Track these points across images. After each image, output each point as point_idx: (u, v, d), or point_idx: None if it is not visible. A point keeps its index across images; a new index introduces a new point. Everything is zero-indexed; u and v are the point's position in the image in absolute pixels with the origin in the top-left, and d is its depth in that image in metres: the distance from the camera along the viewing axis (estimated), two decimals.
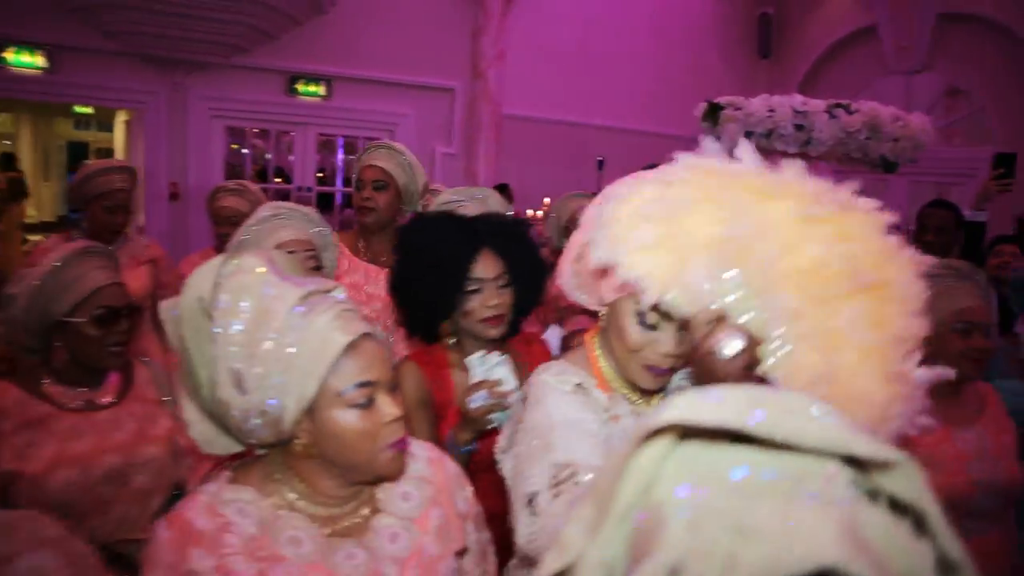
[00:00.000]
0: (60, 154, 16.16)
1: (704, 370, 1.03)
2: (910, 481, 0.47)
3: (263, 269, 1.06)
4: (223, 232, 3.07)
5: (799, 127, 3.71)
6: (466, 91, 8.09)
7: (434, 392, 1.79)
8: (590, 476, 1.15)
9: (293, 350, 1.01)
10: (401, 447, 1.13)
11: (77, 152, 16.25)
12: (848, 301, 0.96)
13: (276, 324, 1.02)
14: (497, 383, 1.64)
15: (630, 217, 1.09)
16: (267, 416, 1.03)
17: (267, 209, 2.04)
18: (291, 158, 7.91)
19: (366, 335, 1.09)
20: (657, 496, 0.49)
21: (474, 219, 1.89)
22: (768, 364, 0.98)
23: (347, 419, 1.06)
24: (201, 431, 1.13)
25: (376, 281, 2.52)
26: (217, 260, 1.08)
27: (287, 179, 8.00)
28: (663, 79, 9.07)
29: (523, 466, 1.27)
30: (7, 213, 8.70)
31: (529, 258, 1.88)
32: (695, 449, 0.50)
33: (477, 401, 1.63)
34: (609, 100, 8.78)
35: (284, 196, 7.94)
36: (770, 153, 4.04)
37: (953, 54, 8.57)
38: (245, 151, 7.86)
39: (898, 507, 0.47)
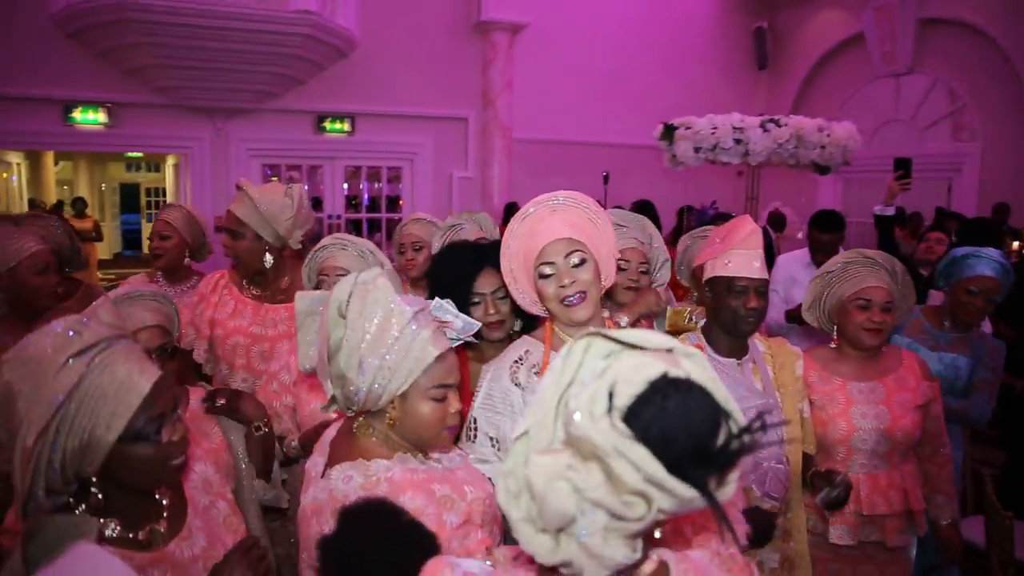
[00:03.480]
0: (114, 195, 17.31)
1: None
2: (700, 361, 0.83)
3: (387, 286, 1.40)
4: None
5: (738, 141, 4.31)
6: (478, 119, 8.80)
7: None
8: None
9: (400, 356, 1.34)
10: (454, 431, 1.50)
11: (129, 192, 17.41)
12: None
13: (395, 333, 1.34)
14: (439, 320, 1.92)
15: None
16: (372, 393, 1.35)
17: (329, 238, 2.38)
18: (322, 187, 8.70)
19: (450, 349, 1.44)
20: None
21: (478, 244, 2.26)
22: None
23: (426, 408, 1.39)
24: (329, 392, 1.43)
25: None
26: (353, 275, 1.40)
27: (320, 208, 8.79)
28: (665, 95, 9.48)
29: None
30: (91, 255, 9.75)
31: None
32: (602, 344, 0.83)
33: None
34: (613, 118, 9.35)
35: (317, 224, 8.77)
36: (716, 163, 4.66)
37: (936, 56, 9.01)
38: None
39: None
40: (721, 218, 3.89)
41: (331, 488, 1.37)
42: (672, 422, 0.73)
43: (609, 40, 9.47)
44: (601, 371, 0.79)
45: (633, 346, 0.82)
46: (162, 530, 1.34)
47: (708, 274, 2.05)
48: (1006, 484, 3.83)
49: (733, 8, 10.53)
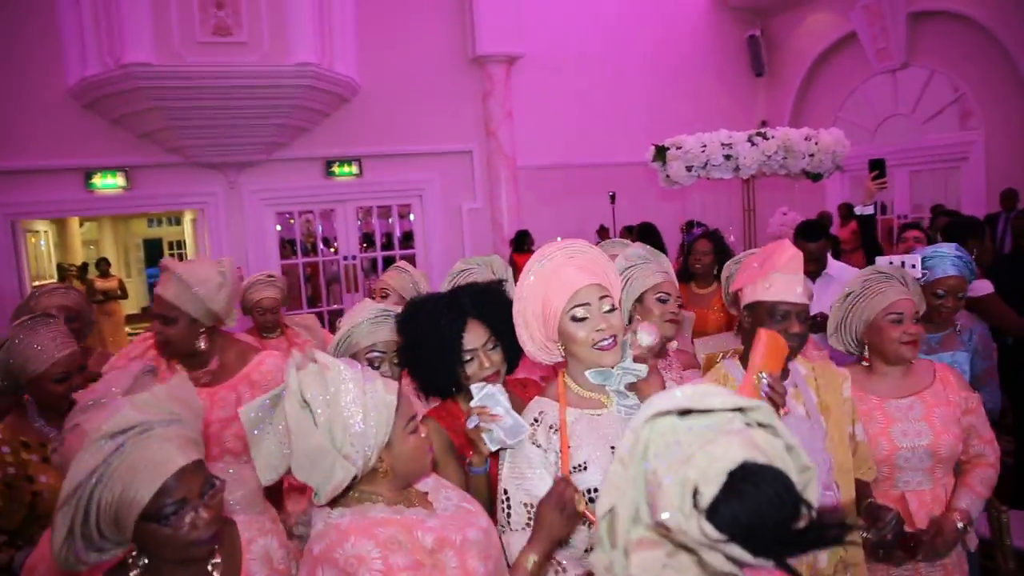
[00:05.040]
0: (138, 251, 17.74)
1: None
2: (767, 414, 0.86)
3: (327, 358, 1.43)
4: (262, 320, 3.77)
5: (727, 156, 4.42)
6: (482, 151, 9.00)
7: (454, 439, 2.01)
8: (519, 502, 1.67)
9: (375, 411, 1.40)
10: (431, 453, 1.60)
11: (152, 247, 17.84)
12: None
13: (361, 395, 1.39)
14: (486, 409, 1.80)
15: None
16: (366, 456, 1.40)
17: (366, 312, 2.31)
18: (335, 229, 8.90)
19: (398, 384, 1.49)
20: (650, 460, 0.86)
21: (456, 295, 2.10)
22: None
23: (408, 445, 1.48)
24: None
25: None
26: (291, 371, 1.41)
27: (336, 250, 9.00)
28: (666, 110, 9.68)
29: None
30: (117, 312, 10.08)
31: (509, 316, 1.93)
32: (666, 422, 0.88)
33: (471, 423, 1.80)
34: (615, 138, 9.48)
35: (332, 265, 8.98)
36: (709, 179, 4.77)
37: (930, 48, 9.07)
38: (296, 230, 8.87)
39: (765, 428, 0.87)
40: (708, 237, 3.99)
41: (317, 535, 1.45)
42: (755, 517, 0.78)
43: (604, 62, 9.64)
44: (680, 461, 0.83)
45: (700, 411, 0.87)
46: None
47: (748, 299, 2.00)
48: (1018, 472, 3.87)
49: (724, 19, 10.67)
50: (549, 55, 9.21)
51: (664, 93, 9.98)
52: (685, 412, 0.88)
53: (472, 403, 1.83)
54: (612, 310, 1.70)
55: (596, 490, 1.63)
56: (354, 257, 8.75)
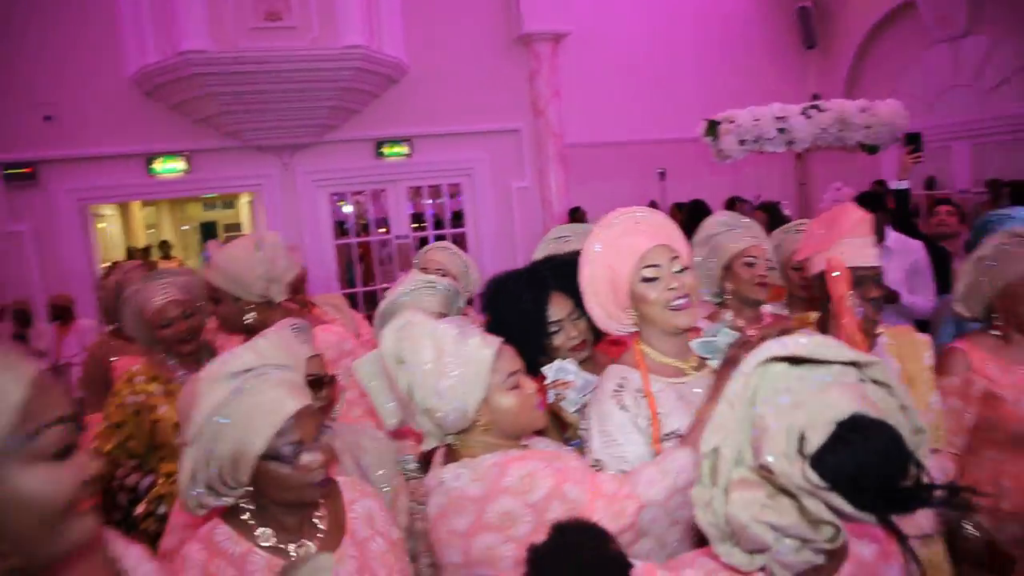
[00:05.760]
0: (195, 234, 18.22)
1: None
2: (884, 371, 0.84)
3: (423, 318, 1.50)
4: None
5: (781, 130, 4.37)
6: (530, 129, 9.00)
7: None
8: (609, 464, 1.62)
9: (465, 367, 1.43)
10: (543, 407, 1.58)
11: (208, 230, 18.29)
12: None
13: (450, 351, 1.43)
14: (559, 382, 1.88)
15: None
16: (457, 410, 1.44)
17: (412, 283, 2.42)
18: (387, 209, 9.04)
19: (503, 342, 1.52)
20: (761, 407, 0.85)
21: (536, 268, 2.16)
22: None
23: (509, 400, 1.49)
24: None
25: None
26: (390, 325, 1.50)
27: (388, 229, 9.16)
28: (714, 84, 9.54)
29: (586, 448, 1.74)
30: None
31: None
32: (778, 369, 0.86)
33: (549, 398, 1.87)
34: (664, 114, 9.35)
35: (386, 245, 9.13)
36: (762, 153, 4.72)
37: (993, 16, 8.72)
38: (348, 210, 9.04)
39: (880, 385, 0.85)
40: (764, 208, 3.97)
41: (447, 490, 1.47)
42: (861, 468, 0.77)
43: (652, 37, 9.52)
44: (789, 407, 0.83)
45: (815, 361, 0.86)
46: (315, 548, 1.41)
47: (819, 267, 1.90)
48: None
49: None
50: (596, 32, 9.14)
51: (713, 68, 9.83)
52: (797, 361, 0.87)
53: (546, 382, 1.90)
54: (683, 270, 1.67)
55: None
56: (406, 236, 8.88)
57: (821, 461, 0.78)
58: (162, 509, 2.44)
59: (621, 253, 1.68)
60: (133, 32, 7.14)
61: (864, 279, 1.84)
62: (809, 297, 2.64)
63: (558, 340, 2.05)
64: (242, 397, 1.30)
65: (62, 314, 6.38)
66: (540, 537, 1.24)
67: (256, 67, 6.92)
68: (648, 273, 1.65)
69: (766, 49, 10.32)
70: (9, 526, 0.74)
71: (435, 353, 1.44)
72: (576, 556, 1.07)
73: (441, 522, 1.47)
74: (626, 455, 1.62)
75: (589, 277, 1.75)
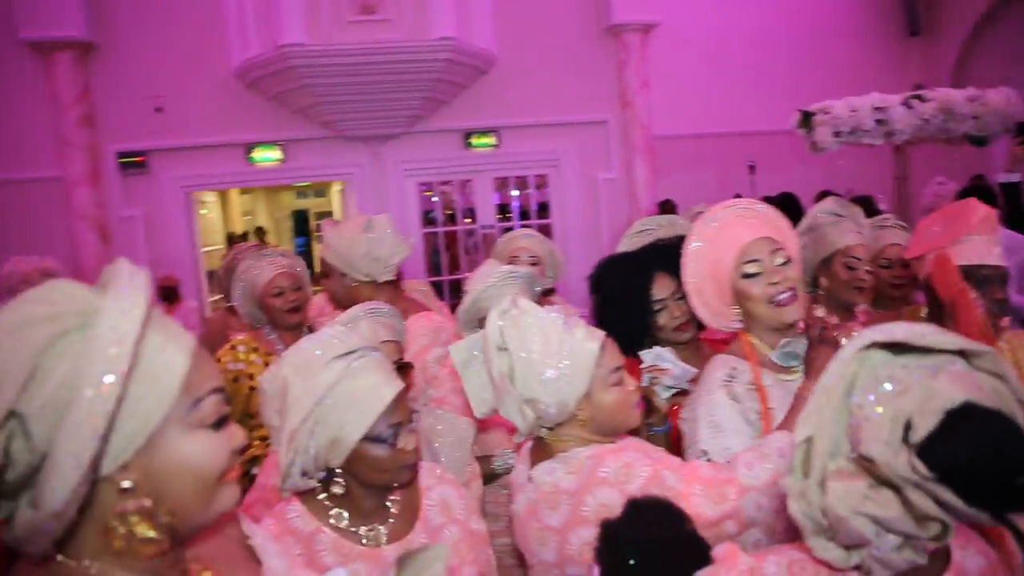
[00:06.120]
0: (287, 221, 18.87)
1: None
2: (996, 362, 0.77)
3: (530, 305, 1.49)
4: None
5: (879, 121, 4.20)
6: (618, 121, 8.93)
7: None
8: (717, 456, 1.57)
9: (571, 359, 1.41)
10: (641, 407, 1.56)
11: (300, 217, 18.92)
12: None
13: (557, 341, 1.41)
14: (656, 367, 1.88)
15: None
16: (560, 403, 1.42)
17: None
18: (473, 199, 9.14)
19: (607, 336, 1.50)
20: (859, 396, 0.81)
21: (643, 251, 2.20)
22: None
23: (610, 396, 1.47)
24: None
25: None
26: (494, 310, 1.49)
27: (474, 219, 9.28)
28: (809, 75, 9.12)
29: (688, 439, 1.70)
30: None
31: None
32: (879, 357, 0.81)
33: (644, 381, 1.87)
34: (754, 106, 9.11)
35: (471, 235, 9.25)
36: (859, 145, 4.54)
37: None
38: (435, 200, 9.20)
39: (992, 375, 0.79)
40: (858, 202, 3.84)
41: (538, 485, 1.46)
42: (973, 460, 0.71)
43: (744, 27, 9.26)
44: (893, 395, 0.78)
45: (919, 349, 0.81)
46: (385, 532, 1.43)
47: (934, 265, 1.81)
48: None
49: None
50: (686, 22, 8.95)
51: (807, 57, 9.46)
52: (899, 350, 0.82)
53: (643, 366, 1.92)
54: (787, 262, 1.62)
55: None
56: (491, 226, 8.98)
57: (930, 451, 0.72)
58: (255, 470, 2.52)
59: (721, 249, 1.65)
60: (237, 28, 7.45)
61: (989, 279, 1.74)
62: (903, 296, 2.56)
63: (661, 319, 2.07)
64: (347, 380, 1.32)
65: (169, 295, 6.73)
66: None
67: (350, 59, 7.12)
68: (749, 268, 1.62)
69: (864, 37, 9.88)
70: (169, 492, 0.77)
71: (542, 342, 1.42)
72: (651, 533, 1.05)
73: (531, 519, 1.46)
74: (733, 447, 1.57)
75: (692, 275, 1.74)
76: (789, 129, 5.10)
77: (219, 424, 0.81)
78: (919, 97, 4.23)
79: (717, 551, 1.04)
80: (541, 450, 1.52)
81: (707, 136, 9.22)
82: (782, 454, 1.40)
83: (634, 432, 1.64)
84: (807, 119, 4.79)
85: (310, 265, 17.71)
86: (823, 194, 7.47)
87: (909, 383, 0.78)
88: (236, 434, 0.85)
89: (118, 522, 0.74)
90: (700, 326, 2.12)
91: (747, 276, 1.61)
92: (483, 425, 2.24)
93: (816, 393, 0.86)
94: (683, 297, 2.01)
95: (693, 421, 1.68)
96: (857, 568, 0.87)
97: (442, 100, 8.19)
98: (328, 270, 2.65)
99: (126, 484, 0.73)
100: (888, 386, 0.79)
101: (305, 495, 1.43)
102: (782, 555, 1.00)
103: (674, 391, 1.86)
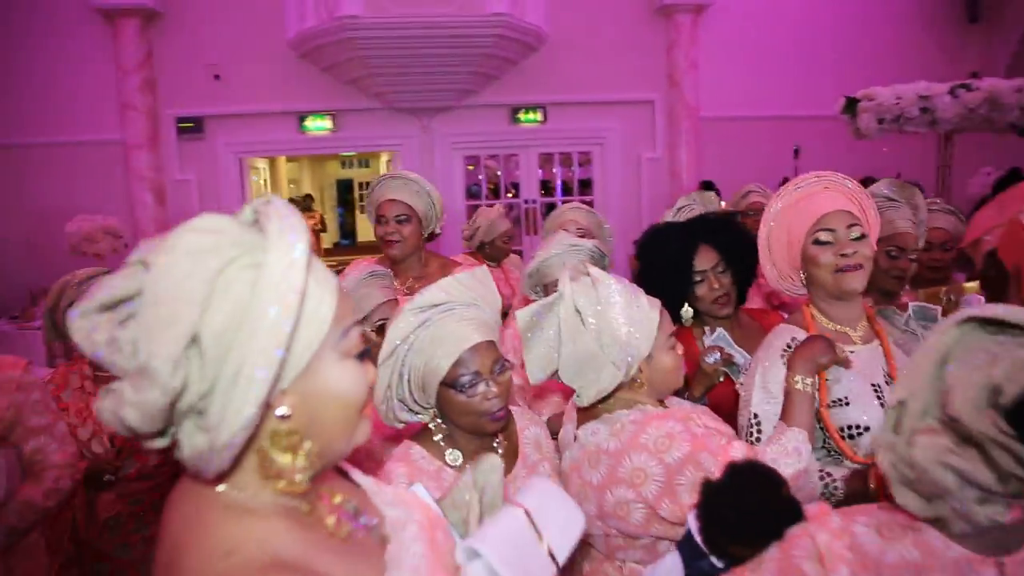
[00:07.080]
0: (332, 190, 19.16)
1: None
2: None
3: (601, 272, 1.56)
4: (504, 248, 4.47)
5: (924, 110, 4.19)
6: (664, 101, 8.93)
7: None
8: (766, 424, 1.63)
9: (640, 324, 1.50)
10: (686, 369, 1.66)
11: (344, 187, 19.21)
12: None
13: (632, 307, 1.49)
14: (721, 347, 1.95)
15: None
16: (630, 364, 1.49)
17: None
18: (518, 174, 9.27)
19: (663, 304, 1.58)
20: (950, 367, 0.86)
21: (690, 222, 2.23)
22: None
23: (669, 359, 1.56)
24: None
25: None
26: (567, 283, 1.54)
27: (517, 194, 9.40)
28: (861, 60, 9.08)
29: (742, 402, 1.75)
30: (317, 245, 11.17)
31: (739, 243, 2.10)
32: (976, 332, 0.86)
33: (711, 358, 1.95)
34: (803, 90, 9.04)
35: (512, 209, 9.35)
36: (903, 133, 4.53)
37: None
38: (480, 175, 9.33)
39: None
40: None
41: (583, 444, 1.53)
42: None
43: (796, 10, 9.16)
44: (985, 363, 0.83)
45: (1014, 326, 0.84)
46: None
47: (994, 243, 1.83)
48: None
49: None
50: (737, 4, 8.88)
51: (858, 43, 9.30)
52: (998, 326, 0.86)
53: (709, 342, 2.02)
54: (861, 237, 1.65)
55: (858, 427, 1.62)
56: (534, 201, 9.10)
57: (1016, 413, 0.77)
58: None
59: (800, 213, 1.70)
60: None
61: None
62: (938, 279, 2.61)
63: (701, 290, 2.11)
64: (427, 329, 1.45)
65: None
66: (668, 501, 1.38)
67: (405, 32, 7.24)
68: (822, 236, 1.66)
69: (921, 23, 9.67)
70: (320, 419, 0.79)
71: (618, 307, 1.49)
72: (749, 496, 1.11)
73: (575, 474, 1.54)
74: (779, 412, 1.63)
75: (767, 234, 1.78)
76: (835, 114, 5.10)
77: (362, 356, 0.86)
78: (966, 86, 4.21)
79: (810, 509, 1.10)
80: (588, 410, 1.59)
81: (753, 119, 9.17)
82: (799, 453, 1.49)
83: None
84: (851, 105, 4.80)
85: (351, 233, 18.01)
86: (866, 180, 7.43)
87: (1002, 355, 0.83)
88: (371, 369, 0.89)
89: (274, 447, 0.76)
90: (739, 302, 2.19)
91: (818, 243, 1.66)
92: (538, 392, 2.34)
93: (914, 357, 0.92)
94: (725, 271, 2.11)
95: (749, 385, 1.73)
96: (935, 522, 0.92)
97: (492, 75, 8.29)
98: (409, 213, 2.75)
99: (283, 411, 0.75)
100: (981, 357, 0.84)
101: (423, 438, 1.56)
102: (871, 516, 1.03)
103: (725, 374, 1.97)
